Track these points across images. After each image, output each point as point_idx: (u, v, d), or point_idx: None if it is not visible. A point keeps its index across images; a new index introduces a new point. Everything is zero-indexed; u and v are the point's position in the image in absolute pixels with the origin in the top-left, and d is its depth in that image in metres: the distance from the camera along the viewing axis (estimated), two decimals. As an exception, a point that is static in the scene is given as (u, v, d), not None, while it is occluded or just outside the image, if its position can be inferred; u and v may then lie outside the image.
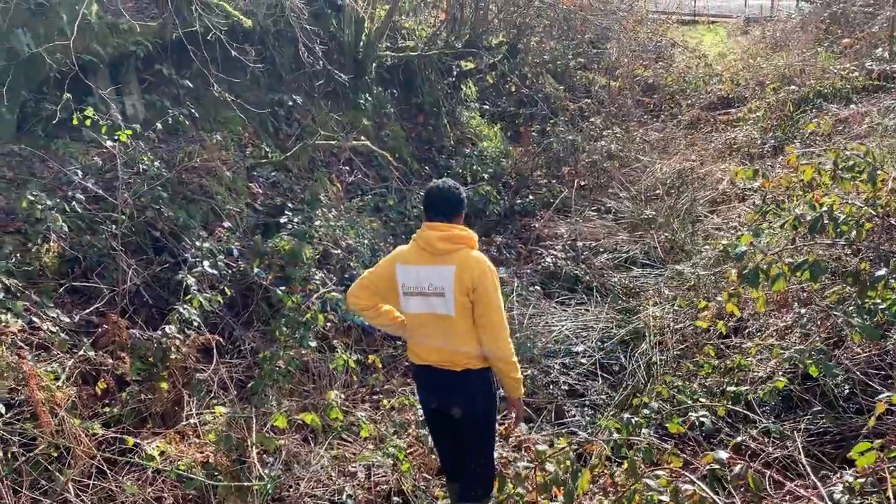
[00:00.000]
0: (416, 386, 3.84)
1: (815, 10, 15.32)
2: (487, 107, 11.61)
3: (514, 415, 3.64)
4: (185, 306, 4.83)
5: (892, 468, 2.15)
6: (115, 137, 5.19)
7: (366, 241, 6.56)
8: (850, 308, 3.78)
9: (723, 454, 2.26)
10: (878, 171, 3.82)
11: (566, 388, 5.41)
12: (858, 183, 3.82)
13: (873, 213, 3.58)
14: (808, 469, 2.67)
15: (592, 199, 9.04)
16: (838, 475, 2.38)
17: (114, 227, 5.11)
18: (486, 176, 9.50)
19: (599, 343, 5.80)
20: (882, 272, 3.36)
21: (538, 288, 6.83)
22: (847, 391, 4.05)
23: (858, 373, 3.84)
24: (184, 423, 4.30)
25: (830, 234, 3.81)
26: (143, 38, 6.26)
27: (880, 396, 2.18)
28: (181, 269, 5.22)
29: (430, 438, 4.51)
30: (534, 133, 10.86)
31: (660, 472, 2.34)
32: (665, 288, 6.27)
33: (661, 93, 13.02)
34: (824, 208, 3.76)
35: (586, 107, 11.78)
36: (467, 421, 3.53)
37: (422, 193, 3.75)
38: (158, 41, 6.40)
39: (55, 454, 3.68)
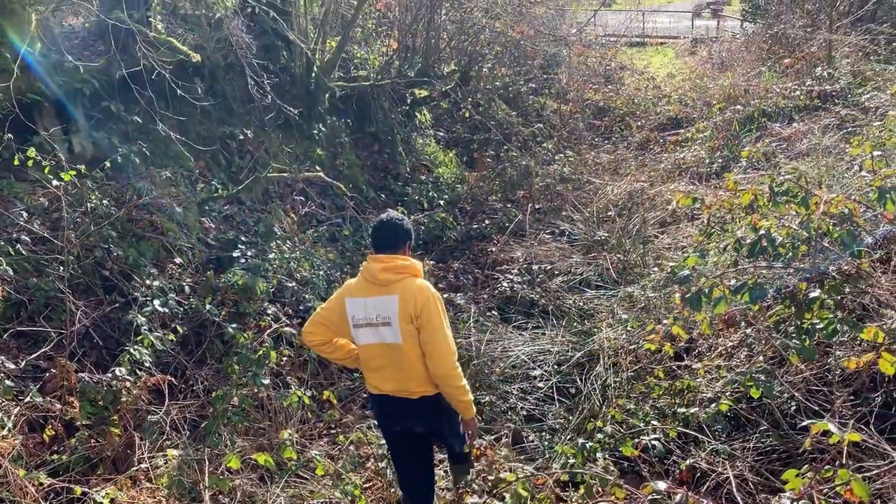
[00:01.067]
0: (374, 414, 3.95)
1: (758, 31, 15.82)
2: (442, 133, 11.72)
3: (468, 434, 3.80)
4: (136, 347, 4.77)
5: (824, 489, 2.23)
6: (61, 177, 5.13)
7: (321, 273, 6.54)
8: (790, 329, 3.89)
9: (661, 484, 2.32)
10: (813, 194, 3.95)
11: (524, 413, 5.44)
12: (793, 206, 3.95)
13: (807, 234, 3.70)
14: (738, 497, 2.73)
15: (547, 222, 9.14)
16: (776, 498, 2.45)
17: (61, 268, 5.04)
18: (442, 202, 9.57)
19: (556, 366, 5.85)
20: (816, 293, 3.48)
21: (495, 313, 6.87)
22: (793, 408, 4.14)
23: (798, 393, 3.94)
24: (135, 467, 4.23)
25: (770, 255, 3.92)
26: (90, 76, 6.21)
27: (808, 422, 2.27)
28: (132, 308, 5.16)
29: (388, 471, 4.52)
30: (488, 158, 10.98)
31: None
32: (618, 309, 6.36)
33: (612, 115, 13.28)
34: (762, 231, 3.88)
35: (539, 131, 11.96)
36: (433, 434, 3.80)
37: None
38: (105, 78, 6.35)
39: (-1, 507, 3.59)
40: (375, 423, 4.98)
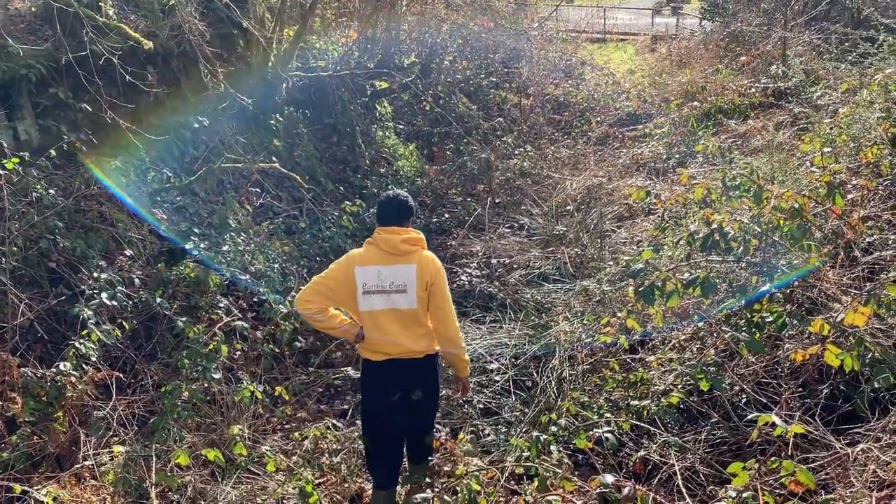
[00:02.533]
0: (370, 384, 4.05)
1: (716, 29, 16.04)
2: (402, 126, 11.64)
3: (461, 389, 4.31)
4: (83, 341, 4.63)
5: (770, 480, 2.25)
6: (3, 165, 4.96)
7: (276, 266, 6.44)
8: (741, 322, 3.94)
9: (609, 478, 2.32)
10: (765, 189, 3.99)
11: (481, 406, 5.43)
12: (745, 200, 3.99)
13: (759, 229, 3.74)
14: (684, 490, 2.75)
15: (506, 216, 9.16)
16: (724, 490, 2.47)
17: (3, 259, 4.86)
18: (401, 195, 9.49)
19: (513, 360, 5.85)
20: (766, 287, 3.52)
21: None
22: (743, 401, 4.20)
23: (748, 385, 3.99)
24: (80, 464, 4.11)
25: (721, 249, 3.96)
26: (35, 62, 6.00)
27: (755, 415, 2.28)
28: (79, 301, 5.01)
29: (343, 466, 4.47)
30: (448, 152, 10.95)
31: (552, 498, 2.38)
32: (575, 303, 6.39)
33: (572, 110, 13.34)
34: (714, 225, 3.91)
35: (499, 125, 11.96)
36: (426, 399, 4.01)
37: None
38: (52, 64, 6.15)
39: (-66, 507, 3.46)
40: (354, 410, 5.21)
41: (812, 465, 2.55)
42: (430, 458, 4.32)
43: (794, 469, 2.17)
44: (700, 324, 4.54)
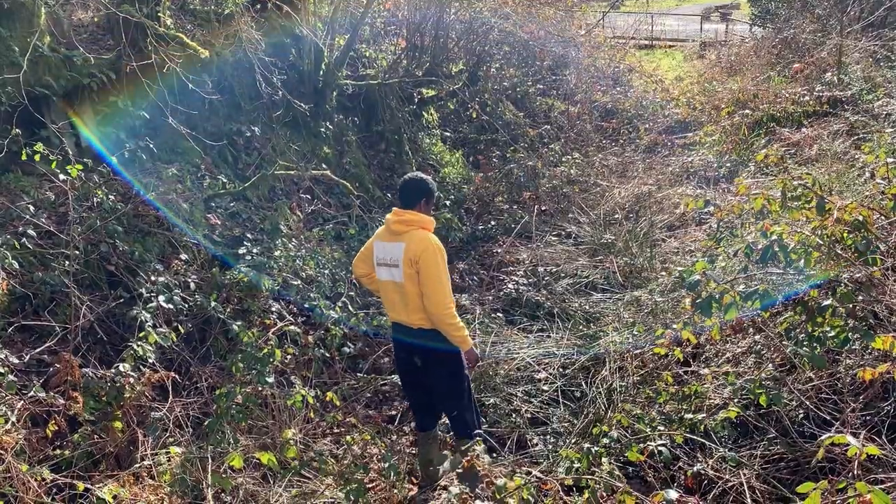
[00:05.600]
0: (393, 341, 4.73)
1: (767, 35, 15.74)
2: (449, 133, 11.68)
3: (468, 364, 4.53)
4: (140, 343, 4.74)
5: (837, 501, 2.19)
6: (67, 172, 5.11)
7: (326, 272, 6.51)
8: (801, 335, 3.85)
9: (673, 493, 2.29)
10: (828, 200, 3.90)
11: (528, 416, 5.41)
12: (806, 212, 3.91)
13: (820, 241, 3.66)
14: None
15: (553, 224, 9.10)
16: (789, 508, 2.42)
17: (66, 262, 5.01)
18: (447, 203, 9.52)
19: (561, 369, 5.81)
20: (828, 301, 3.44)
21: (500, 315, 6.83)
22: (801, 416, 4.10)
23: (808, 401, 3.89)
24: (138, 464, 4.20)
25: (781, 261, 3.88)
26: (98, 71, 6.19)
27: (826, 436, 2.23)
28: (137, 303, 5.13)
29: (391, 473, 4.49)
30: (495, 159, 10.94)
31: (612, 511, 2.35)
32: (625, 313, 6.32)
33: (620, 117, 13.22)
34: (774, 237, 3.84)
35: (546, 133, 11.91)
36: (429, 369, 4.47)
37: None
38: (113, 74, 6.33)
39: (1, 503, 3.57)
40: (402, 416, 5.57)
41: (882, 487, 2.47)
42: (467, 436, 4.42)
43: (869, 491, 2.12)
44: (756, 337, 4.45)
